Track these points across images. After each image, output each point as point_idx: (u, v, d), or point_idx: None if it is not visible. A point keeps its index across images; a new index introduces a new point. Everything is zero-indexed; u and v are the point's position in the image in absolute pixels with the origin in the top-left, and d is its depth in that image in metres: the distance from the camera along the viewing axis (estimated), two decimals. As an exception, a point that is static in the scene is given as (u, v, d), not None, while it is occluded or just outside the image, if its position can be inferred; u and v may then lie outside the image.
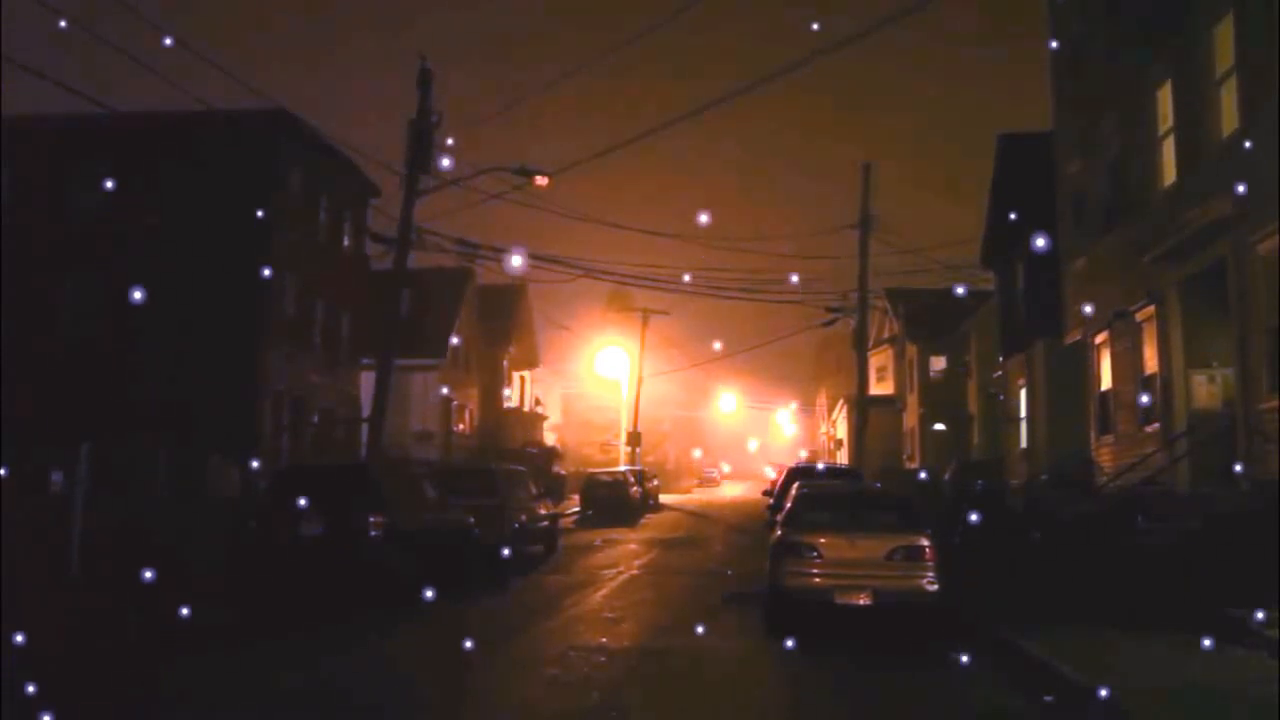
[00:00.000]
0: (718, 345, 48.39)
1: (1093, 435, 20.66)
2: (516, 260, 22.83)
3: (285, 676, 10.11)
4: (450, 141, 21.84)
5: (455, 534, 17.68)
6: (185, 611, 11.86)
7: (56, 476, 17.09)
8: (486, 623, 13.32)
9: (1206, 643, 10.13)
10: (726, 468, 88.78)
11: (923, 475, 34.28)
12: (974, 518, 16.56)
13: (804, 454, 72.50)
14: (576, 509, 37.03)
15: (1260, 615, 10.25)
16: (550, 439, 60.67)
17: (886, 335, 57.81)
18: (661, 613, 14.43)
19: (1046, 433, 24.54)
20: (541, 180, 23.74)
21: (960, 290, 29.65)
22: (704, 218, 16.24)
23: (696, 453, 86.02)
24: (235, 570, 15.35)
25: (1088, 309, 19.36)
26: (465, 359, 47.43)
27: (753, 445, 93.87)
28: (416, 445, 38.42)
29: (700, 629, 12.97)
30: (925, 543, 12.28)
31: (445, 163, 21.91)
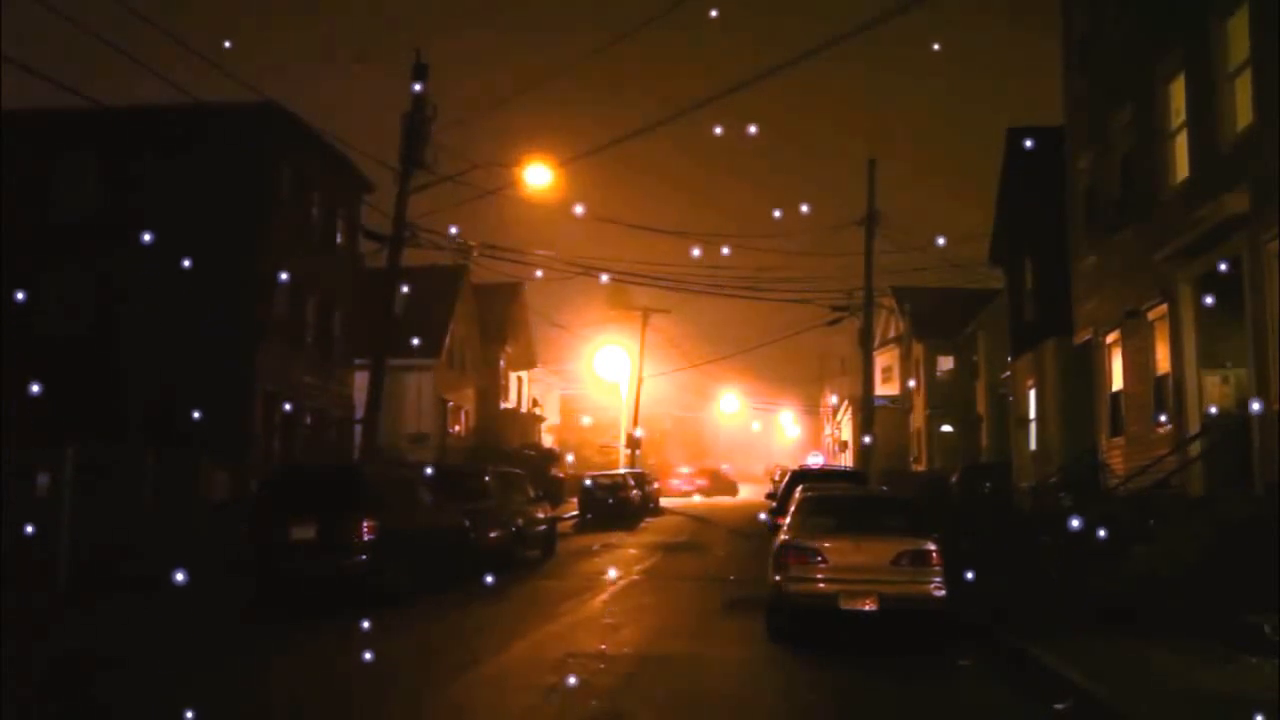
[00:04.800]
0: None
1: (1103, 437, 20.40)
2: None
3: (271, 683, 10.03)
4: (447, 137, 21.54)
5: (450, 537, 17.46)
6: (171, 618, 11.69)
7: (42, 479, 16.80)
8: (482, 628, 13.19)
9: (1220, 649, 10.02)
10: (711, 467, 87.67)
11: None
12: (980, 522, 16.34)
13: (818, 459, 69.44)
14: (575, 512, 36.75)
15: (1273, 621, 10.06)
16: (548, 440, 60.33)
17: (893, 334, 57.41)
18: (662, 619, 14.27)
19: (1056, 434, 24.24)
20: (539, 176, 23.40)
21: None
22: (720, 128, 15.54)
23: (725, 466, 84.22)
24: (225, 574, 15.15)
25: (1098, 308, 19.06)
26: (461, 359, 47.10)
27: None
28: (411, 447, 38.08)
29: (701, 635, 12.95)
30: (932, 547, 12.06)
31: (441, 153, 21.69)
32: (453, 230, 22.79)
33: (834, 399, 76.28)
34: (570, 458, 58.85)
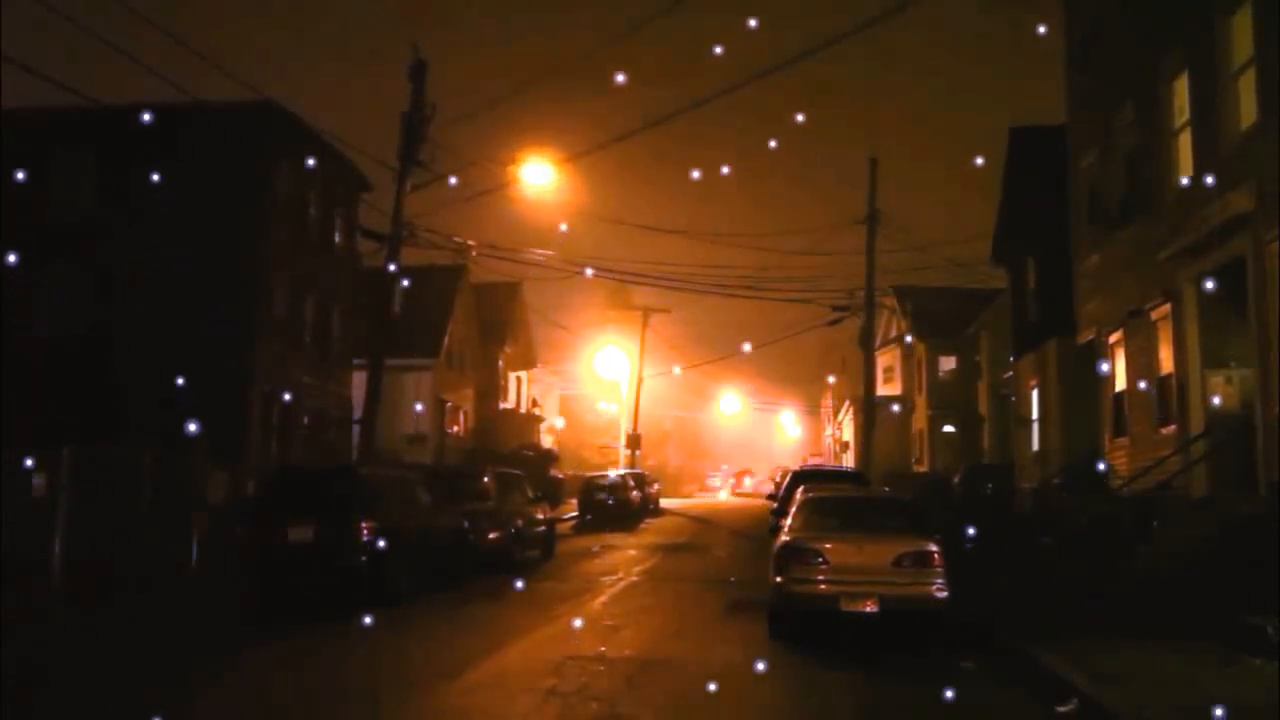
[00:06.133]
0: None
1: (1106, 437, 20.37)
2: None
3: (269, 685, 10.04)
4: (445, 135, 21.43)
5: (449, 538, 17.38)
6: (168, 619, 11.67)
7: (38, 480, 16.70)
8: (480, 629, 13.14)
9: (1223, 651, 9.99)
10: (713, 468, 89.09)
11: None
12: (982, 523, 16.36)
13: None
14: (574, 513, 36.65)
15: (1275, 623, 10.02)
16: (547, 441, 60.24)
17: (894, 334, 57.34)
18: (662, 621, 14.20)
19: (1059, 435, 24.22)
20: (539, 174, 23.35)
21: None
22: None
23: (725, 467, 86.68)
24: (222, 575, 15.12)
25: (1101, 307, 18.96)
26: (460, 359, 47.00)
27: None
28: (410, 448, 38.01)
29: (702, 637, 12.85)
30: (934, 548, 12.00)
31: (441, 152, 21.67)
32: (452, 180, 22.29)
33: (832, 378, 76.35)
34: (561, 421, 59.44)
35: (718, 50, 14.93)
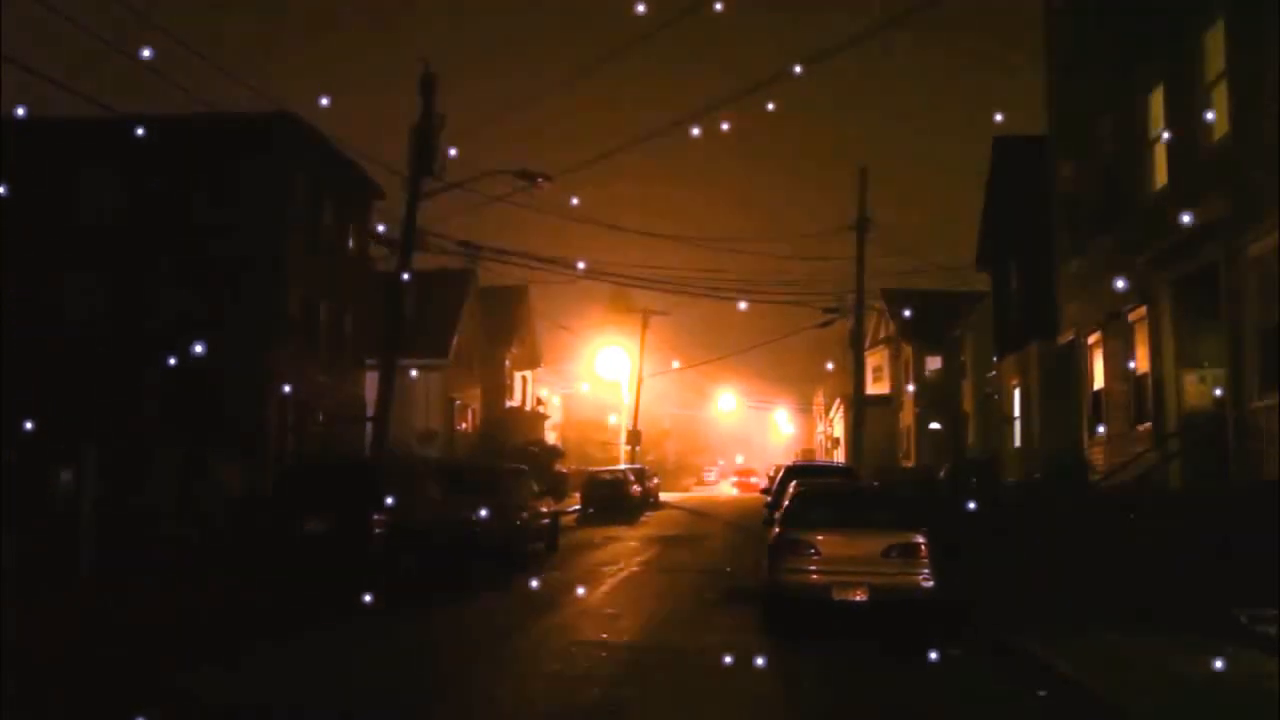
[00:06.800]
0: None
1: (1085, 434, 20.71)
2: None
3: (282, 670, 10.21)
4: (454, 148, 21.87)
5: (458, 531, 17.75)
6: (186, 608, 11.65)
7: (64, 476, 17.23)
8: (488, 619, 13.44)
9: (1203, 641, 10.11)
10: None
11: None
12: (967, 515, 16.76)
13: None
14: (577, 507, 37.13)
15: (1255, 613, 10.36)
16: (552, 438, 60.75)
17: (883, 335, 57.96)
18: (661, 609, 14.51)
19: (1040, 431, 24.67)
20: (542, 182, 23.88)
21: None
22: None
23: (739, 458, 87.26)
24: (240, 569, 15.44)
25: (1080, 310, 19.26)
26: (468, 359, 47.45)
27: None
28: (420, 444, 38.48)
29: (699, 625, 13.12)
30: (920, 540, 12.42)
31: (450, 160, 22.08)
32: (454, 153, 22.41)
33: (830, 364, 76.84)
34: (556, 407, 59.50)
35: (718, 6, 14.78)
